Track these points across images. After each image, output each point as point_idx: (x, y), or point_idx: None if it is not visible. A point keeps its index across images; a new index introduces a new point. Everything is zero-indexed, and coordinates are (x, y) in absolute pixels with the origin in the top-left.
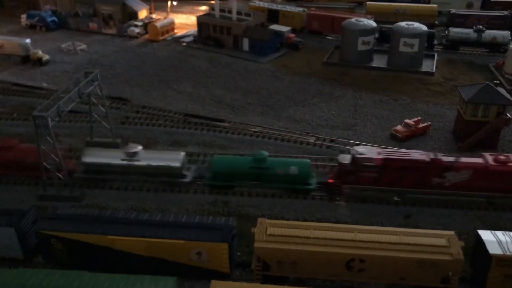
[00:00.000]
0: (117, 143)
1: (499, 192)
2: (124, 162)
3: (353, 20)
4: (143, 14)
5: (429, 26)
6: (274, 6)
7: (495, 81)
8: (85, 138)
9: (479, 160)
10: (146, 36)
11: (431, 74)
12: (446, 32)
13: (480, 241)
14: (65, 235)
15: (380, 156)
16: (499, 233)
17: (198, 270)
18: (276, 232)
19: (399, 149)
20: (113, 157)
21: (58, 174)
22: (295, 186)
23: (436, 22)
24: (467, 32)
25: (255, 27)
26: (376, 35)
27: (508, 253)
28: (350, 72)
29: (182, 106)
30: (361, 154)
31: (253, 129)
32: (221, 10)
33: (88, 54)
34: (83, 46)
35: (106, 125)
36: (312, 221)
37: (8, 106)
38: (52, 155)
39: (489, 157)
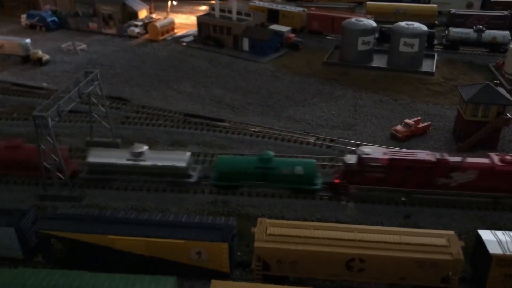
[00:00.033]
0: (117, 143)
1: (505, 192)
2: (130, 162)
3: (353, 20)
4: (143, 14)
5: (429, 26)
6: (274, 6)
7: (495, 81)
8: (85, 138)
9: (485, 160)
10: (146, 36)
11: (431, 74)
12: (446, 32)
13: (480, 240)
14: (65, 234)
15: (386, 156)
16: (499, 233)
17: (198, 269)
18: (276, 232)
19: (405, 149)
20: (118, 157)
21: (58, 174)
22: (301, 186)
23: (436, 22)
24: (467, 32)
25: (255, 27)
26: (376, 35)
27: (508, 253)
28: (350, 72)
29: (182, 106)
30: (367, 154)
31: (253, 129)
32: (221, 10)
33: (88, 54)
34: (83, 46)
35: (106, 125)
36: (312, 221)
37: (8, 106)
38: (52, 155)
39: (496, 157)
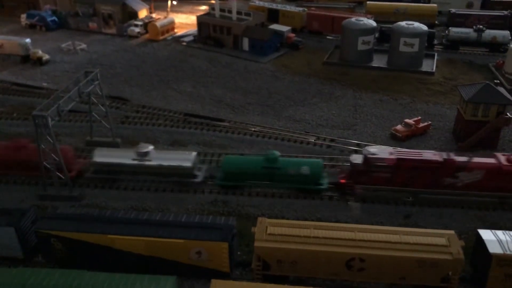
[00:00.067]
0: (117, 143)
1: None
2: (135, 162)
3: (353, 19)
4: (143, 13)
5: (429, 26)
6: (274, 6)
7: (495, 81)
8: (85, 137)
9: (492, 160)
10: (146, 36)
11: (431, 73)
12: (446, 31)
13: (480, 240)
14: (65, 234)
15: (393, 156)
16: (500, 233)
17: (198, 269)
18: (276, 232)
19: (411, 149)
20: (124, 157)
21: (58, 173)
22: (307, 186)
23: (436, 22)
24: (467, 31)
25: (255, 27)
26: (376, 35)
27: (508, 253)
28: (350, 72)
29: (182, 106)
30: (374, 154)
31: (253, 129)
32: (221, 10)
33: (88, 54)
34: (83, 46)
35: (106, 124)
36: (312, 220)
37: (8, 105)
38: (52, 155)
39: (502, 157)
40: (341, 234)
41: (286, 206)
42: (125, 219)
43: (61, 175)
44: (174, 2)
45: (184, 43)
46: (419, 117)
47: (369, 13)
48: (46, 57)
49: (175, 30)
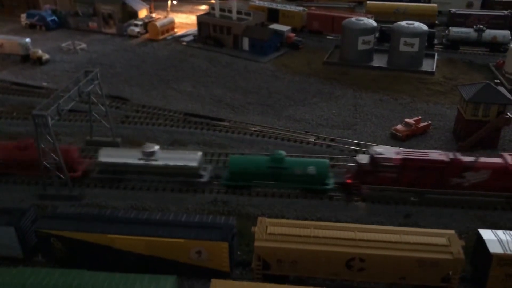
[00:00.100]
0: (117, 142)
1: None
2: (141, 162)
3: (353, 19)
4: (143, 13)
5: (429, 26)
6: (274, 6)
7: (495, 81)
8: (84, 137)
9: (498, 160)
10: (146, 36)
11: (431, 73)
12: (447, 31)
13: (480, 240)
14: (64, 234)
15: (399, 156)
16: (500, 232)
17: (198, 269)
18: (276, 231)
19: (417, 149)
20: (130, 157)
21: (57, 173)
22: (313, 186)
23: (436, 22)
24: (467, 31)
25: (255, 27)
26: (376, 35)
27: (508, 252)
28: (350, 72)
29: (182, 106)
30: (380, 154)
31: (253, 128)
32: (221, 10)
33: (88, 54)
34: (83, 46)
35: (106, 124)
36: (312, 220)
37: (8, 105)
38: (52, 154)
39: (509, 157)
40: (341, 234)
41: (286, 206)
42: (125, 218)
43: (61, 175)
44: (174, 2)
45: (184, 43)
46: (419, 117)
47: (369, 12)
48: (46, 56)
49: (175, 30)
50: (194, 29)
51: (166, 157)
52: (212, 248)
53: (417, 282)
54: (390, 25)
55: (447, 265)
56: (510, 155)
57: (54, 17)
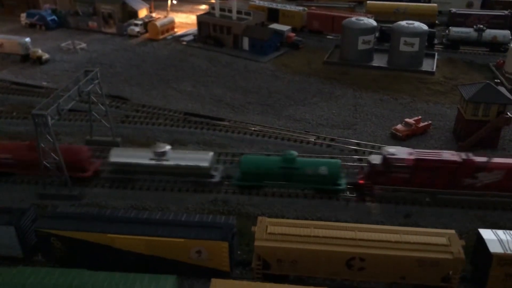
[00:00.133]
0: (117, 142)
1: None
2: (153, 162)
3: (353, 19)
4: (143, 13)
5: (429, 25)
6: (274, 5)
7: (495, 80)
8: (84, 136)
9: (511, 161)
10: (146, 35)
11: (431, 73)
12: (447, 31)
13: (481, 239)
14: (64, 233)
15: (412, 157)
16: (500, 232)
17: (198, 268)
18: (276, 231)
19: (429, 150)
20: (141, 157)
21: (55, 172)
22: (325, 186)
23: (437, 22)
24: (467, 31)
25: (255, 26)
26: (377, 34)
27: (509, 252)
28: (350, 71)
29: (182, 105)
30: (393, 154)
31: (253, 128)
32: (221, 9)
33: (88, 53)
34: (83, 45)
35: (106, 123)
36: (312, 220)
37: (8, 104)
38: (52, 154)
39: None
40: (341, 233)
41: (286, 206)
42: (125, 218)
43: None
44: (174, 2)
45: (184, 43)
46: (420, 117)
47: (369, 12)
48: (45, 56)
49: (175, 30)
50: (194, 28)
51: (177, 157)
52: (212, 247)
53: (417, 281)
54: (390, 25)
55: (447, 265)
56: None
57: (54, 17)
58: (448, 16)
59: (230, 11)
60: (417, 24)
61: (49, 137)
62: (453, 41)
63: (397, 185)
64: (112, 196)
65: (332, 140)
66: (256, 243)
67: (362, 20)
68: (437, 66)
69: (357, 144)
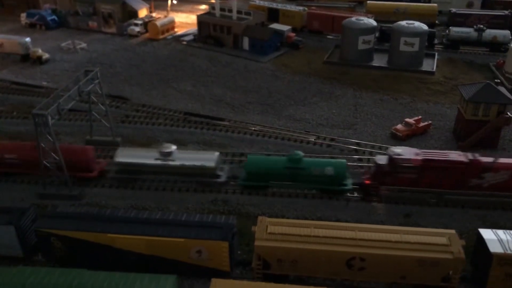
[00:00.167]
0: (117, 142)
1: None
2: (159, 162)
3: (354, 19)
4: (143, 13)
5: (429, 25)
6: (274, 5)
7: (495, 80)
8: (84, 136)
9: None
10: (146, 35)
11: (431, 73)
12: (447, 31)
13: (481, 239)
14: (65, 233)
15: (419, 157)
16: (500, 232)
17: (198, 268)
18: (276, 231)
19: (436, 150)
20: (147, 157)
21: (56, 172)
22: (331, 186)
23: (437, 21)
24: (467, 31)
25: (255, 26)
26: (377, 34)
27: (509, 252)
28: (351, 71)
29: (182, 105)
30: (399, 154)
31: (253, 128)
32: (221, 9)
33: (88, 53)
34: (83, 45)
35: (106, 123)
36: (313, 219)
37: (8, 104)
38: (52, 154)
39: None
40: (341, 233)
41: (286, 205)
42: (125, 218)
43: (60, 174)
44: (174, 1)
45: (184, 42)
46: (420, 117)
47: (369, 12)
48: (46, 56)
49: (175, 29)
50: (194, 28)
51: (183, 157)
52: (213, 247)
53: (417, 281)
54: (390, 25)
55: (447, 265)
56: None
57: (54, 17)
58: (448, 16)
59: (230, 11)
60: (417, 24)
61: (49, 137)
62: (453, 41)
63: (403, 186)
64: (112, 196)
65: (332, 140)
66: (256, 243)
67: (362, 20)
68: (437, 66)
69: (357, 144)
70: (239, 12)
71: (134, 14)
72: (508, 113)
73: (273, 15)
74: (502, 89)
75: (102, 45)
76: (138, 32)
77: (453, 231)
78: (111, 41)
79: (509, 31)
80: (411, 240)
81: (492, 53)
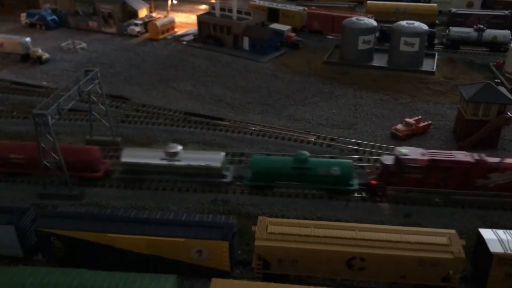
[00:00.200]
0: (117, 142)
1: None
2: (164, 162)
3: (354, 19)
4: (143, 12)
5: (429, 25)
6: (274, 5)
7: (495, 80)
8: (84, 136)
9: None
10: (146, 35)
11: (431, 73)
12: (447, 31)
13: (481, 239)
14: (65, 233)
15: (425, 157)
16: (500, 232)
17: (199, 268)
18: (276, 230)
19: (442, 150)
20: (152, 157)
21: (56, 171)
22: (337, 187)
23: (437, 21)
24: (467, 31)
25: (255, 26)
26: (377, 34)
27: (509, 252)
28: (351, 71)
29: (182, 105)
30: (405, 155)
31: (253, 128)
32: (221, 9)
33: (88, 53)
34: (83, 45)
35: (106, 123)
36: (313, 219)
37: (8, 104)
38: (52, 153)
39: None
40: (341, 233)
41: (286, 205)
42: (125, 217)
43: (60, 174)
44: (174, 1)
45: (184, 42)
46: (420, 117)
47: (369, 12)
48: (46, 56)
49: (175, 29)
50: (194, 28)
51: (189, 158)
52: (213, 247)
53: (417, 281)
54: (391, 25)
55: (447, 265)
56: None
57: (54, 17)
58: (448, 16)
59: (230, 11)
60: (417, 24)
61: (49, 137)
62: (453, 41)
63: (409, 186)
64: (112, 196)
65: (332, 140)
66: (257, 242)
67: (362, 20)
68: (437, 66)
69: (357, 144)
70: (239, 12)
71: (134, 14)
72: (508, 113)
73: (273, 15)
74: (502, 89)
75: (102, 45)
76: (138, 32)
77: (453, 231)
78: (111, 41)
79: (509, 31)
80: (411, 240)
81: (492, 53)
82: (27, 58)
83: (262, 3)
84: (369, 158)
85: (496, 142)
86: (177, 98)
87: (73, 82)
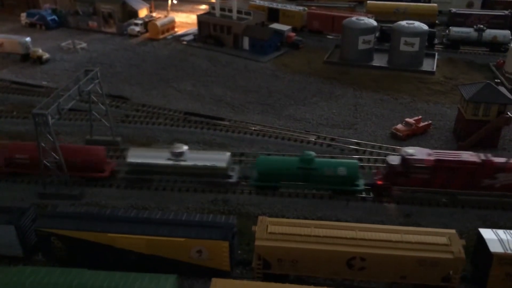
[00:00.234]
0: (117, 141)
1: None
2: (170, 162)
3: (354, 19)
4: (143, 12)
5: (429, 25)
6: (274, 5)
7: (496, 80)
8: (85, 136)
9: None
10: (146, 35)
11: (431, 73)
12: (447, 31)
13: (481, 239)
14: (65, 233)
15: (431, 157)
16: (501, 232)
17: (199, 268)
18: (276, 230)
19: (448, 151)
20: (158, 158)
21: (56, 171)
22: (343, 187)
23: (437, 21)
24: (467, 31)
25: (255, 26)
26: (377, 34)
27: (509, 252)
28: (351, 71)
29: (182, 105)
30: (412, 155)
31: (253, 128)
32: (222, 9)
33: (88, 53)
34: (83, 45)
35: (106, 123)
36: (313, 219)
37: (8, 104)
38: (53, 153)
39: None
40: (342, 233)
41: (286, 205)
42: (126, 217)
43: (60, 174)
44: (175, 1)
45: (184, 42)
46: (420, 117)
47: (369, 12)
48: (46, 55)
49: (175, 29)
50: (194, 28)
51: (194, 158)
52: (213, 247)
53: (417, 281)
54: (391, 25)
55: (447, 265)
56: None
57: (54, 16)
58: (448, 16)
59: (230, 10)
60: (417, 24)
61: (49, 137)
62: (453, 41)
63: (416, 186)
64: (112, 195)
65: (332, 139)
66: (257, 242)
67: (363, 20)
68: (437, 66)
69: (358, 144)
70: (239, 12)
71: (134, 14)
72: (508, 113)
73: (273, 15)
74: (502, 89)
75: (102, 45)
76: (138, 32)
77: (453, 231)
78: (111, 41)
79: (509, 31)
80: (411, 240)
81: (492, 53)
82: (27, 58)
83: (262, 3)
84: (369, 158)
85: (496, 142)
86: (177, 98)
87: (73, 82)
